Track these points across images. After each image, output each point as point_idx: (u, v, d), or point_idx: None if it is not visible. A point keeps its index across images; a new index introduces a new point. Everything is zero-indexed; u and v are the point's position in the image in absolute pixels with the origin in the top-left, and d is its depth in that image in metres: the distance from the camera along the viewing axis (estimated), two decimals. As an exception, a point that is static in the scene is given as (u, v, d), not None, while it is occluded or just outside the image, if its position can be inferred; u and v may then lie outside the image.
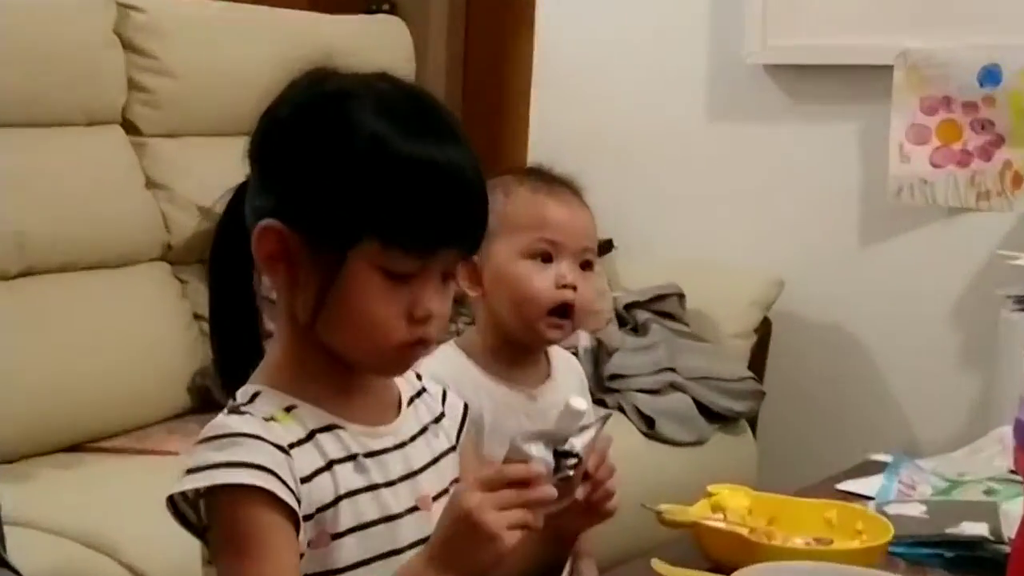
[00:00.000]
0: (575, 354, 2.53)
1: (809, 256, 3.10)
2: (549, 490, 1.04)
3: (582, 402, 1.11)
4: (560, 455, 1.08)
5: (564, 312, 1.46)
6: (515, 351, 1.50)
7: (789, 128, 3.12)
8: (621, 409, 2.65)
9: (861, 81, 2.99)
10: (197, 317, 2.60)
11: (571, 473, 1.09)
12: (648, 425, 2.64)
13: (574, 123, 3.38)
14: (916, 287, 2.97)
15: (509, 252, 1.44)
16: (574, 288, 1.45)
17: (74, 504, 1.97)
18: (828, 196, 3.07)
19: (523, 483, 1.03)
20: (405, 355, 1.07)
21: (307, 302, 1.05)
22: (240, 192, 1.11)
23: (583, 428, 1.11)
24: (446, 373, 1.26)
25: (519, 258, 1.45)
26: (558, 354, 1.56)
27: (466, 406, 1.23)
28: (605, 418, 1.15)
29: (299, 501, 1.02)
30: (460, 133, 1.06)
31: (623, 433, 2.61)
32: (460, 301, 1.36)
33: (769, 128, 3.15)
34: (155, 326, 2.52)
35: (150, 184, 2.65)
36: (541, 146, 3.41)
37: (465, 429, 1.22)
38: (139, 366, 2.44)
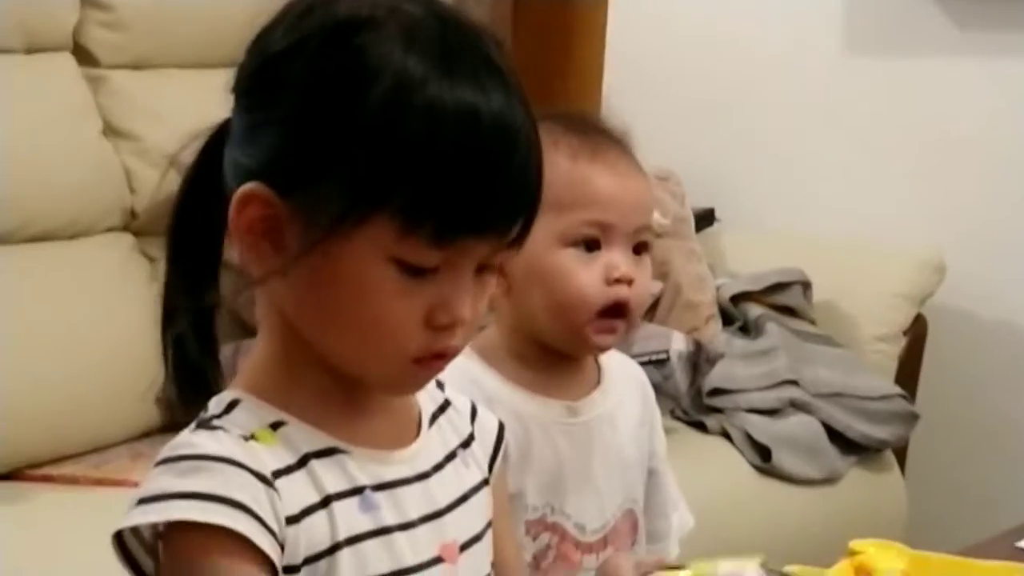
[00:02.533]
0: (666, 360, 2.60)
1: (980, 233, 3.08)
2: None
3: None
4: None
5: (617, 311, 1.47)
6: (550, 356, 1.51)
7: (954, 64, 3.10)
8: (727, 435, 2.66)
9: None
10: (170, 306, 2.61)
11: None
12: (763, 457, 2.65)
13: (663, 56, 3.38)
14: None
15: (545, 238, 1.44)
16: (629, 282, 1.46)
17: (6, 550, 1.97)
18: (1003, 154, 3.05)
19: None
20: (419, 371, 1.07)
21: (295, 294, 1.05)
22: (218, 136, 1.09)
23: None
24: (457, 384, 1.26)
25: (558, 246, 1.46)
26: (611, 355, 1.57)
27: (502, 426, 1.23)
28: None
29: (282, 547, 1.02)
30: (511, 75, 1.05)
31: (730, 467, 2.63)
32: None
33: (927, 64, 3.13)
34: (116, 317, 2.53)
35: (109, 131, 2.66)
36: (618, 86, 3.39)
37: (501, 456, 1.21)
38: (95, 370, 2.45)
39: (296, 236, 1.03)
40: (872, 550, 1.52)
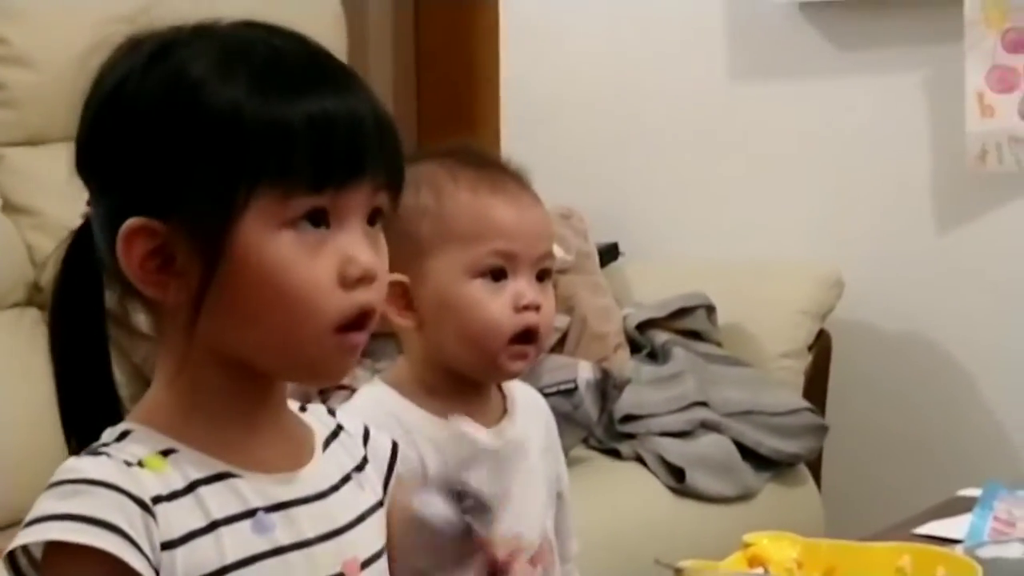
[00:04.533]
0: (574, 389, 2.61)
1: (873, 247, 3.13)
2: None
3: None
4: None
5: (527, 337, 1.52)
6: (460, 386, 1.55)
7: (834, 82, 3.16)
8: (641, 460, 2.69)
9: (924, 15, 3.03)
10: (81, 378, 2.61)
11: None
12: (677, 478, 2.66)
13: (558, 93, 3.42)
14: (1012, 279, 3.01)
15: (451, 271, 1.50)
16: (537, 308, 1.51)
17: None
18: (891, 167, 3.11)
19: None
20: (343, 343, 1.09)
21: (206, 305, 1.08)
22: (79, 240, 1.15)
23: None
24: (375, 417, 1.31)
25: (466, 278, 1.50)
26: (515, 384, 1.61)
27: (395, 447, 1.26)
28: None
29: (157, 571, 1.05)
30: (355, 81, 1.11)
31: (644, 490, 2.65)
32: (382, 335, 1.39)
33: (808, 84, 3.20)
34: (23, 395, 2.50)
35: (8, 208, 2.69)
36: (517, 126, 3.45)
37: (395, 478, 1.24)
38: (3, 446, 2.45)
39: (189, 252, 1.07)
40: (765, 541, 1.56)
